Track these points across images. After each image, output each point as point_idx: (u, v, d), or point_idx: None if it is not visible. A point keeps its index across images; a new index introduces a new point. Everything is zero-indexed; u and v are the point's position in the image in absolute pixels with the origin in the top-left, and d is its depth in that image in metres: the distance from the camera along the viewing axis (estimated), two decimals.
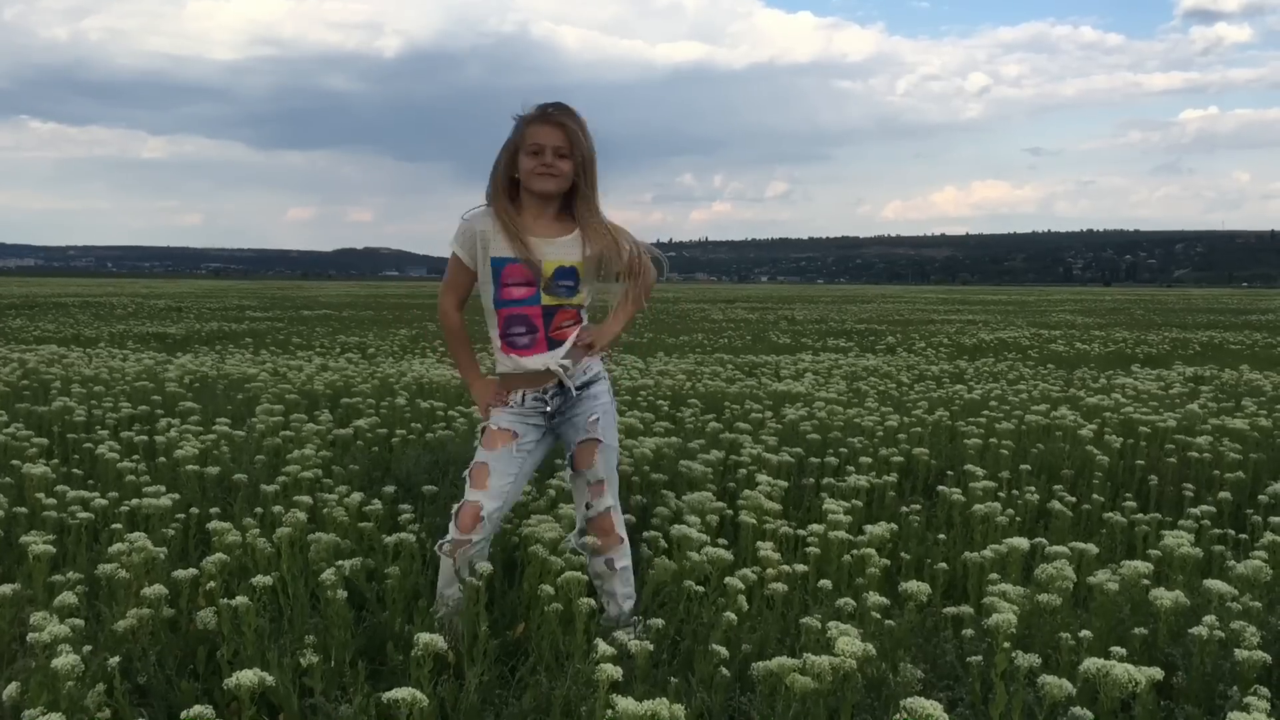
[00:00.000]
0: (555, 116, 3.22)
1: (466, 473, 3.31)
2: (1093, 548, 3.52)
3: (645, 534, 3.92)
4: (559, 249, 3.26)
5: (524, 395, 3.32)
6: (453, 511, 3.26)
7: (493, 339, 3.36)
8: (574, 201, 3.28)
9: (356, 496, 4.13)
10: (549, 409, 3.31)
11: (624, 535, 3.40)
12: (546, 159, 3.19)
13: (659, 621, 2.93)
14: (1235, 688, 2.51)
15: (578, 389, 3.32)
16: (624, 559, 3.37)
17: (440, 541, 3.26)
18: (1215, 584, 2.96)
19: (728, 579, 3.12)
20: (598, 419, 3.34)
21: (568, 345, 3.30)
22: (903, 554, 3.95)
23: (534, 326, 3.28)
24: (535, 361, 3.28)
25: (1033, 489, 4.74)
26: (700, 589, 3.28)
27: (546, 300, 3.26)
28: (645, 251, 3.40)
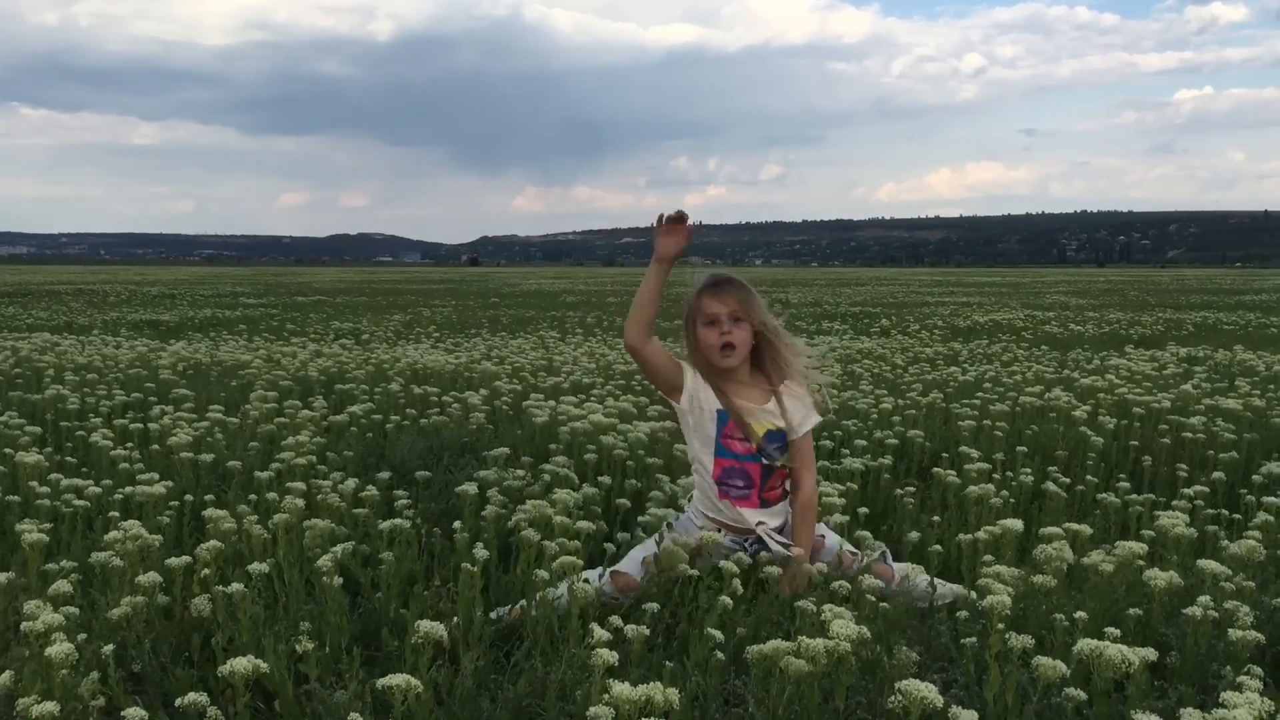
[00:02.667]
0: (723, 285, 3.38)
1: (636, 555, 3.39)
2: (1087, 529, 3.52)
3: (640, 518, 3.93)
4: (766, 415, 3.39)
5: (722, 530, 3.41)
6: None
7: (704, 482, 3.44)
8: (764, 363, 3.43)
9: (351, 483, 4.12)
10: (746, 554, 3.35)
11: None
12: (724, 327, 3.33)
13: (654, 605, 2.93)
14: (1229, 667, 2.51)
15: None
16: None
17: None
18: (1209, 564, 2.96)
19: (722, 563, 3.12)
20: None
21: (780, 521, 3.43)
22: (889, 532, 3.95)
23: (751, 482, 3.40)
24: (748, 517, 3.39)
25: (1027, 470, 4.75)
26: (695, 573, 3.28)
27: (766, 461, 3.39)
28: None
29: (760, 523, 3.39)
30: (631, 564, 3.35)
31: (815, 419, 3.48)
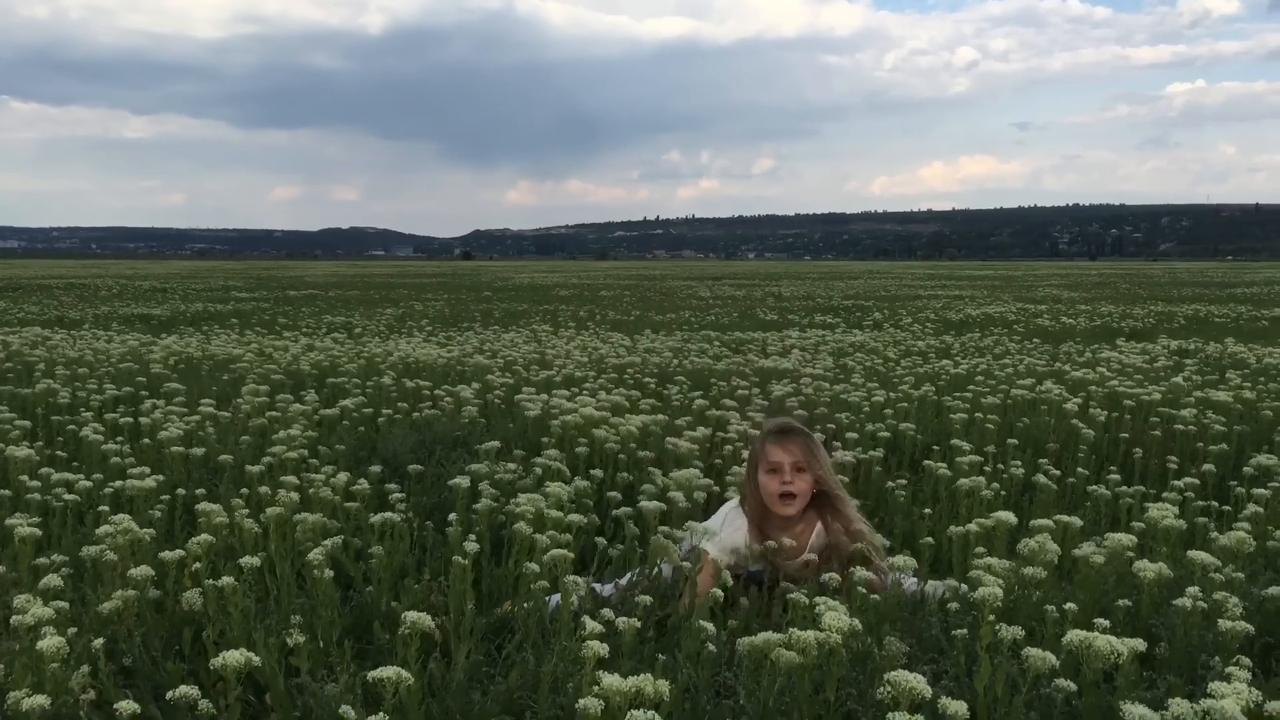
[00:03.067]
0: (789, 433, 3.47)
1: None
2: (1077, 520, 3.53)
3: (627, 509, 3.92)
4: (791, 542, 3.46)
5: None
6: None
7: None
8: (822, 508, 3.49)
9: (343, 476, 4.12)
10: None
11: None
12: (786, 476, 3.39)
13: (647, 598, 2.93)
14: (1218, 658, 2.52)
15: None
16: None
17: None
18: (1199, 555, 2.97)
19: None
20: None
21: None
22: (893, 532, 3.96)
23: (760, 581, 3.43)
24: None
25: (1018, 463, 4.76)
26: (687, 565, 3.28)
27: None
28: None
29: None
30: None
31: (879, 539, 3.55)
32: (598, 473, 4.43)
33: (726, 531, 3.44)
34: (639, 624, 2.65)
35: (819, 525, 3.49)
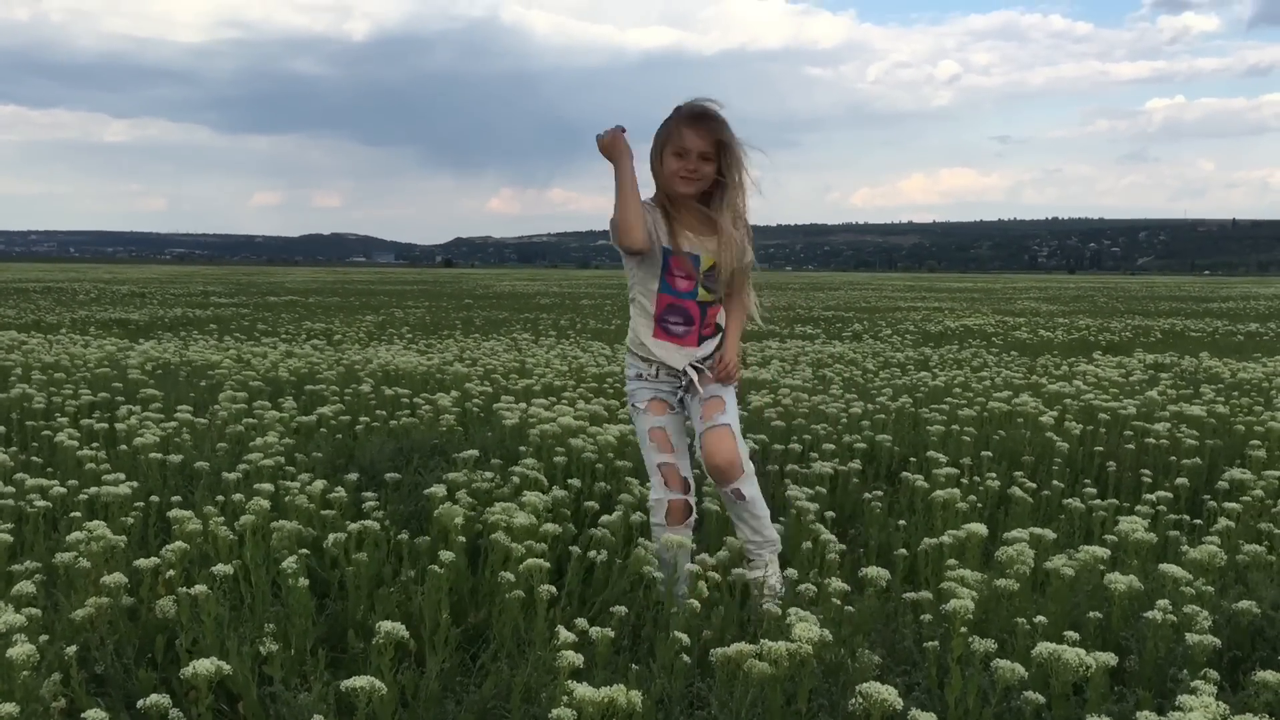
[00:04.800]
0: (704, 118, 3.33)
1: (646, 440, 3.45)
2: (1050, 533, 3.56)
3: (603, 518, 3.93)
4: (706, 249, 3.39)
5: (658, 370, 3.47)
6: (657, 479, 3.41)
7: (641, 323, 3.46)
8: (714, 200, 3.39)
9: (319, 484, 4.11)
10: (680, 384, 3.46)
11: (748, 465, 3.41)
12: (691, 162, 3.30)
13: (622, 609, 2.94)
14: (1186, 671, 2.55)
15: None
16: (750, 486, 3.40)
17: (654, 501, 3.40)
18: (1169, 568, 3.00)
19: (689, 565, 3.14)
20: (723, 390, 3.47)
21: (709, 351, 3.45)
22: (865, 545, 3.98)
23: (691, 319, 3.42)
24: (677, 359, 3.41)
25: (994, 475, 4.79)
26: (662, 575, 3.29)
27: (702, 295, 3.40)
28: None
29: (690, 364, 3.43)
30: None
31: (751, 253, 3.50)
32: (575, 482, 4.43)
33: (653, 223, 3.40)
34: (612, 634, 2.66)
35: (714, 241, 3.42)
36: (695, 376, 3.41)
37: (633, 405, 3.54)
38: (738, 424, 3.45)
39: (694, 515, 3.46)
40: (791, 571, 3.39)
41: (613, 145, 3.33)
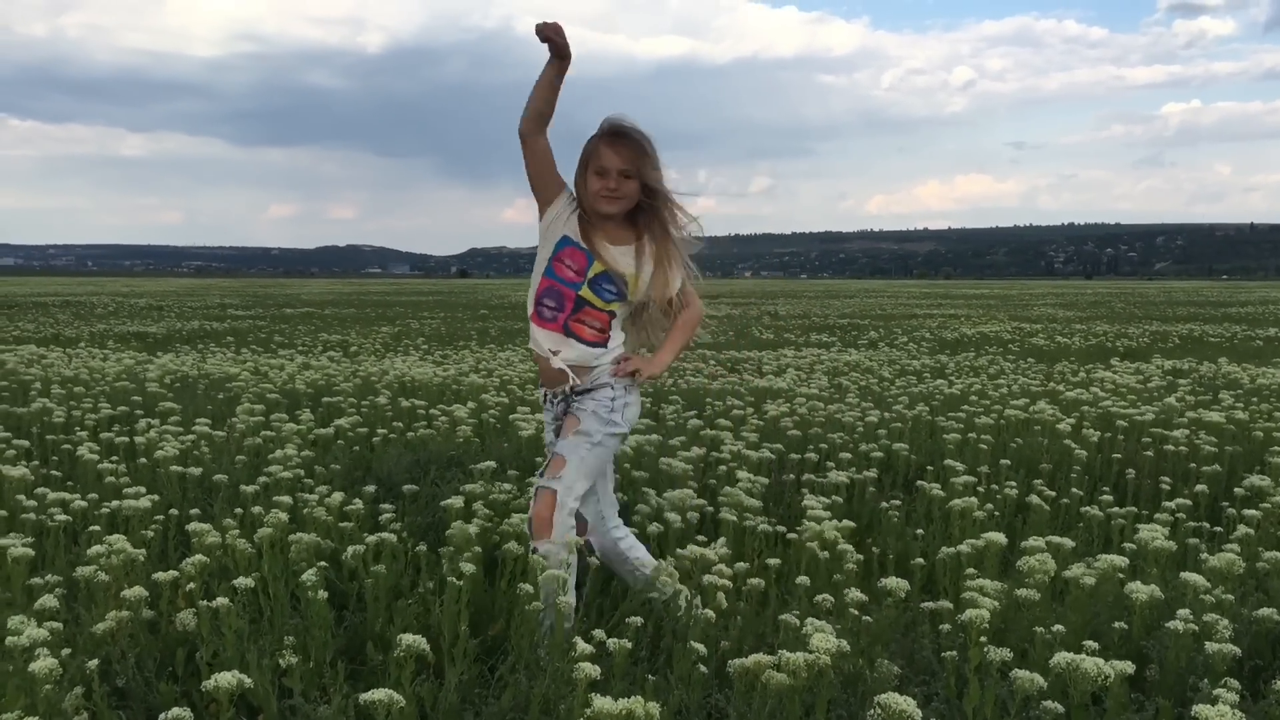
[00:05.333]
0: (622, 136, 3.30)
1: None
2: (1069, 542, 3.55)
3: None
4: (614, 255, 3.34)
5: (545, 395, 3.47)
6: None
7: (528, 303, 3.43)
8: (640, 218, 3.37)
9: (337, 496, 4.13)
10: (557, 411, 3.43)
11: (558, 530, 3.20)
12: (611, 181, 3.28)
13: (638, 620, 2.94)
14: (1206, 680, 2.54)
15: (578, 394, 3.37)
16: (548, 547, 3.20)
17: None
18: (1190, 577, 2.99)
19: (706, 576, 3.14)
20: (587, 410, 3.36)
21: (580, 355, 3.36)
22: (874, 548, 3.97)
23: (562, 306, 3.35)
24: (543, 344, 3.36)
25: (1011, 483, 4.77)
26: (680, 587, 3.29)
27: (584, 292, 3.35)
28: (692, 281, 3.48)
29: (556, 351, 3.35)
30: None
31: (679, 282, 3.43)
32: None
33: (565, 208, 3.36)
34: (630, 645, 2.66)
35: (633, 255, 3.37)
36: (568, 384, 3.34)
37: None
38: (571, 491, 3.25)
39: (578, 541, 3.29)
40: (805, 580, 3.38)
41: (558, 35, 3.23)
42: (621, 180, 3.27)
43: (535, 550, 3.20)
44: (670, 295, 3.41)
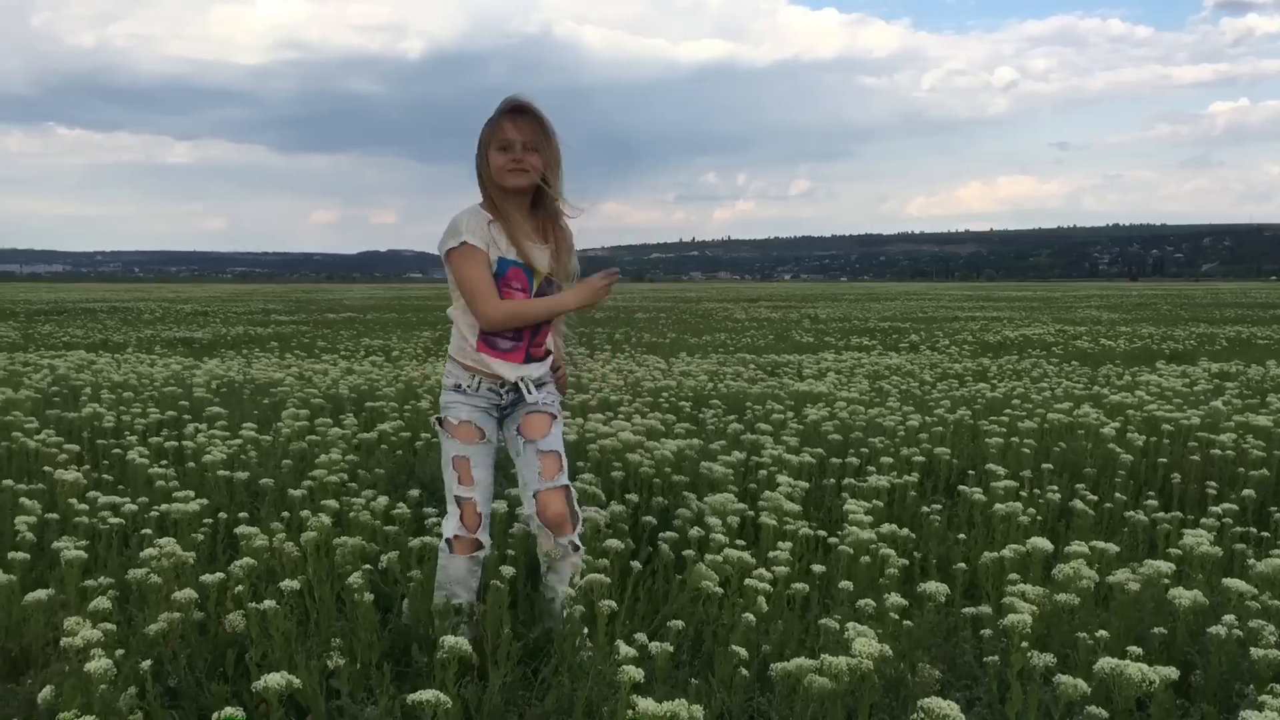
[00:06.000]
0: (524, 111, 3.25)
1: (450, 466, 3.31)
2: (1113, 547, 3.53)
3: (663, 534, 3.96)
4: (544, 256, 3.29)
5: (480, 382, 3.32)
6: (454, 510, 3.29)
7: (465, 336, 3.32)
8: (541, 203, 3.31)
9: (382, 500, 4.18)
10: (502, 402, 3.33)
11: (578, 517, 3.32)
12: (516, 153, 3.20)
13: (679, 623, 2.96)
14: (1251, 686, 2.52)
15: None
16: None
17: (446, 538, 3.29)
18: (1234, 583, 2.96)
19: (747, 580, 3.15)
20: (553, 400, 3.38)
21: (541, 371, 3.36)
22: (916, 553, 3.96)
23: (520, 335, 3.29)
24: (509, 372, 3.29)
25: (1054, 488, 4.74)
26: (720, 590, 3.31)
27: None
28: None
29: (521, 377, 3.30)
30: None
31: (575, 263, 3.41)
32: (633, 497, 4.46)
33: (474, 223, 3.26)
34: (672, 649, 2.68)
35: (550, 247, 3.32)
36: (526, 391, 3.29)
37: (444, 419, 3.36)
38: (565, 463, 3.34)
39: (484, 550, 3.32)
40: (848, 584, 3.39)
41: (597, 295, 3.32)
42: (526, 153, 3.20)
43: (560, 543, 3.24)
44: (574, 275, 3.38)
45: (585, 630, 3.03)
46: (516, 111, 3.25)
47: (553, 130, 3.27)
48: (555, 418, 3.36)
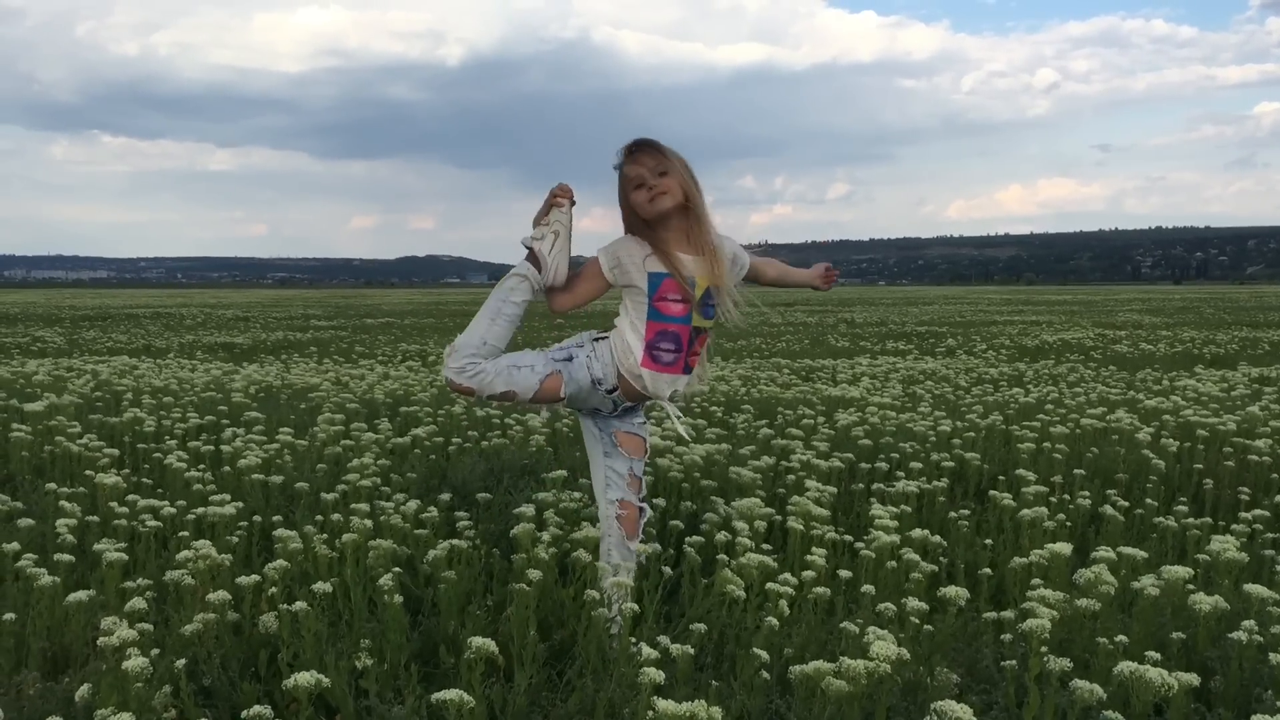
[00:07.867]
0: (638, 147, 3.35)
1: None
2: (1141, 553, 3.52)
3: (689, 538, 3.99)
4: (699, 266, 3.34)
5: (617, 391, 3.41)
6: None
7: (631, 348, 3.37)
8: (689, 218, 3.36)
9: (413, 504, 4.24)
10: (616, 410, 3.46)
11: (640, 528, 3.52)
12: (650, 182, 3.29)
13: (701, 626, 2.99)
14: (1270, 692, 2.52)
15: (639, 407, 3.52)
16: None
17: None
18: (1256, 588, 2.96)
19: (770, 584, 3.18)
20: (645, 423, 3.50)
21: (687, 382, 3.47)
22: (943, 559, 3.97)
23: (680, 346, 3.37)
24: (664, 389, 3.39)
25: (1085, 494, 4.73)
26: (743, 594, 3.34)
27: (696, 321, 3.37)
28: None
29: (674, 392, 3.41)
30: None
31: (745, 259, 3.52)
32: (661, 501, 4.50)
33: (621, 241, 3.37)
34: (693, 651, 2.72)
35: (705, 261, 3.35)
36: (676, 419, 3.51)
37: (556, 361, 3.45)
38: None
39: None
40: (870, 589, 3.41)
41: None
42: (660, 179, 3.28)
43: (630, 547, 3.44)
44: (740, 270, 3.50)
45: (615, 631, 3.08)
46: (634, 149, 3.36)
47: (672, 152, 3.35)
48: (646, 440, 3.55)
